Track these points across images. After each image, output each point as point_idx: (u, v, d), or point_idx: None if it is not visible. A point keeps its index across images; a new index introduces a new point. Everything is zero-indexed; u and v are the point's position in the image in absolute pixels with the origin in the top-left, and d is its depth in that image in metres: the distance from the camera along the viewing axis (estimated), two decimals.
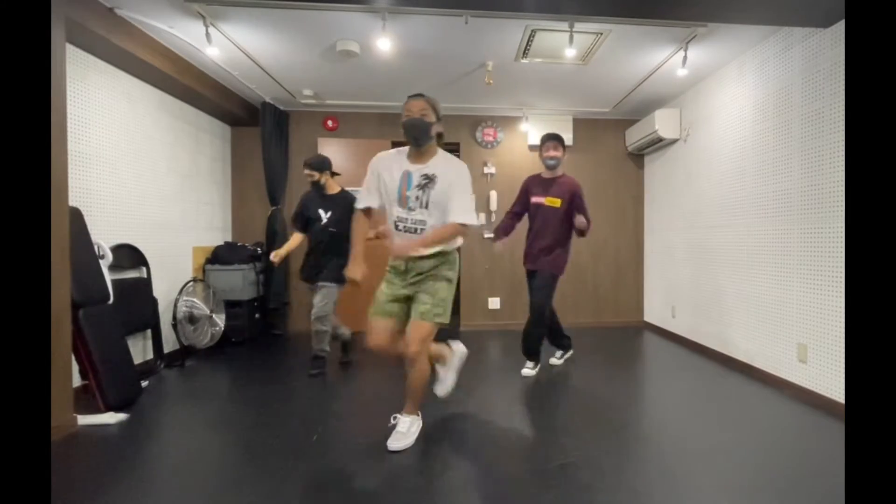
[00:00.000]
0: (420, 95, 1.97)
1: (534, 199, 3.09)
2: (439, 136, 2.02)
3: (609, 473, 1.79)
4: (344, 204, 3.06)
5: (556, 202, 3.00)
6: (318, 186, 3.14)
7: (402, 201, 1.96)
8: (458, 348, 2.43)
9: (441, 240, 1.95)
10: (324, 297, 3.05)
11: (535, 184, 3.14)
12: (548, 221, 3.03)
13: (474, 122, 4.70)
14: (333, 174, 3.21)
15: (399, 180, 1.97)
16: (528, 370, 3.12)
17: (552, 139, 3.04)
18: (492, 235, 3.31)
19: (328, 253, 3.08)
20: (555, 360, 3.35)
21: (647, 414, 2.49)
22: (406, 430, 2.06)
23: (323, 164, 3.14)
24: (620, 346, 4.01)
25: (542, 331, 3.10)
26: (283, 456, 1.93)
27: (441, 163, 1.99)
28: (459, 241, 2.10)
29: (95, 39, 2.57)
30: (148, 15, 2.65)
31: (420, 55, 3.23)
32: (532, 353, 3.14)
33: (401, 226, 1.98)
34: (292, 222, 3.29)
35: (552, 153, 3.02)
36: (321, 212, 3.12)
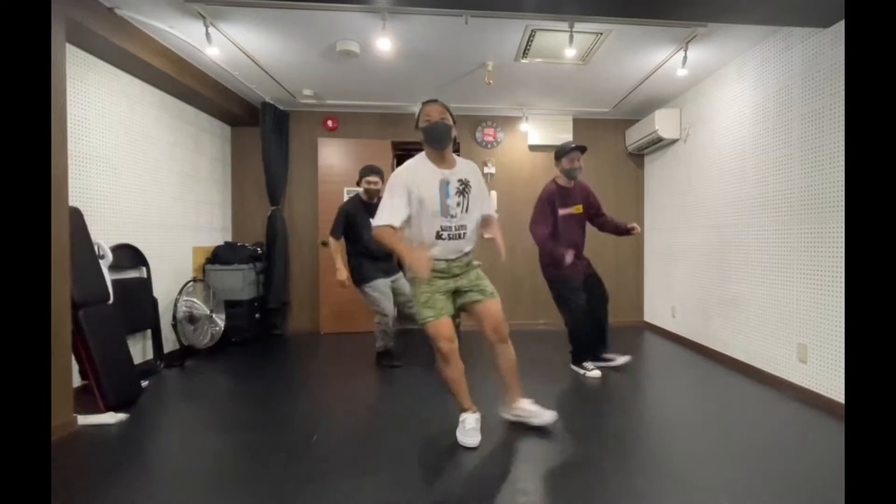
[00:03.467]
0: (435, 101, 1.98)
1: (562, 212, 3.08)
2: (454, 139, 2.05)
3: (609, 473, 1.79)
4: None
5: (580, 209, 3.15)
6: (370, 194, 3.24)
7: (444, 210, 1.93)
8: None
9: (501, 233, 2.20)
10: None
11: (559, 196, 3.08)
12: (576, 227, 3.15)
13: (474, 122, 4.70)
14: None
15: (438, 190, 1.93)
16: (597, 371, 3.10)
17: (580, 150, 3.06)
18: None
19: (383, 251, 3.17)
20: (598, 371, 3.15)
21: (647, 414, 2.49)
22: (538, 410, 2.17)
23: (383, 172, 3.27)
24: (620, 346, 4.00)
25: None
26: (282, 456, 1.93)
27: (466, 167, 2.07)
28: None
29: (95, 39, 2.57)
30: (148, 15, 2.65)
31: (420, 55, 3.23)
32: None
33: (445, 234, 1.96)
34: (333, 232, 3.21)
35: (577, 164, 3.06)
36: (371, 220, 3.18)
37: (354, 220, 3.20)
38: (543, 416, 2.16)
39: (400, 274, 3.31)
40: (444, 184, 1.94)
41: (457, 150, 4.74)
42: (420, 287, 2.00)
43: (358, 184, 3.29)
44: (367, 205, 3.24)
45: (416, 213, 1.94)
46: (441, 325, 1.97)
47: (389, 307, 3.20)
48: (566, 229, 3.08)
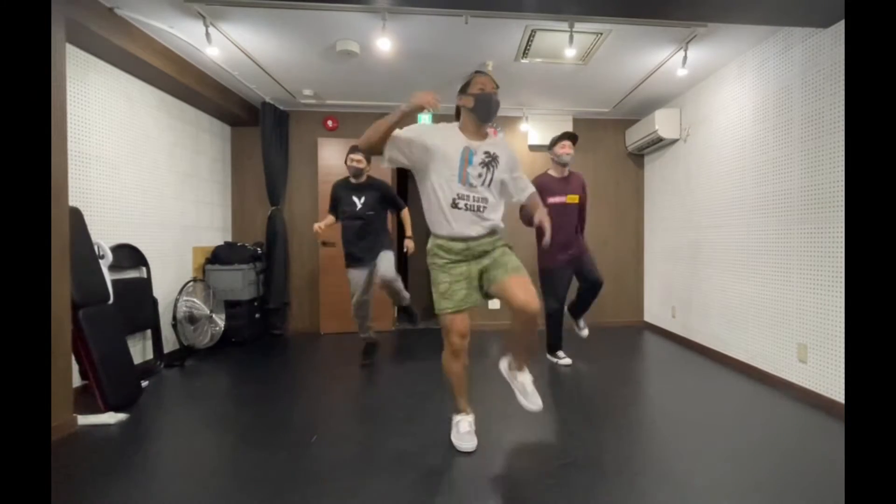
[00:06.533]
0: (484, 73, 1.93)
1: (552, 200, 3.19)
2: None
3: (609, 473, 1.79)
4: (376, 188, 3.23)
5: (576, 198, 3.25)
6: (357, 174, 3.20)
7: (463, 178, 1.86)
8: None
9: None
10: (388, 261, 3.16)
11: (549, 184, 3.23)
12: (570, 217, 3.24)
13: None
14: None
15: (460, 156, 1.87)
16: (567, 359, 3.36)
17: (569, 137, 3.23)
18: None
19: (373, 234, 3.20)
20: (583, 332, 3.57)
21: (647, 414, 2.49)
22: (532, 391, 2.02)
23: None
24: (620, 346, 4.00)
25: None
26: (282, 456, 1.93)
27: (498, 143, 1.98)
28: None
29: (95, 39, 2.57)
30: (148, 15, 2.65)
31: (420, 55, 3.23)
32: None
33: (461, 203, 1.86)
34: (330, 210, 3.30)
35: (568, 150, 3.20)
36: (354, 199, 3.20)
37: (339, 199, 3.22)
38: (532, 401, 2.00)
39: (382, 255, 3.15)
40: (467, 151, 1.87)
41: None
42: (437, 275, 1.92)
43: (345, 163, 3.24)
44: (352, 186, 3.22)
45: (431, 174, 1.87)
46: (457, 319, 1.90)
47: (356, 301, 3.21)
48: (556, 217, 3.16)
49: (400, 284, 3.23)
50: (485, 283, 1.93)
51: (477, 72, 1.95)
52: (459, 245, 1.90)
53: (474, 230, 1.88)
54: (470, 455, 1.94)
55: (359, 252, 3.16)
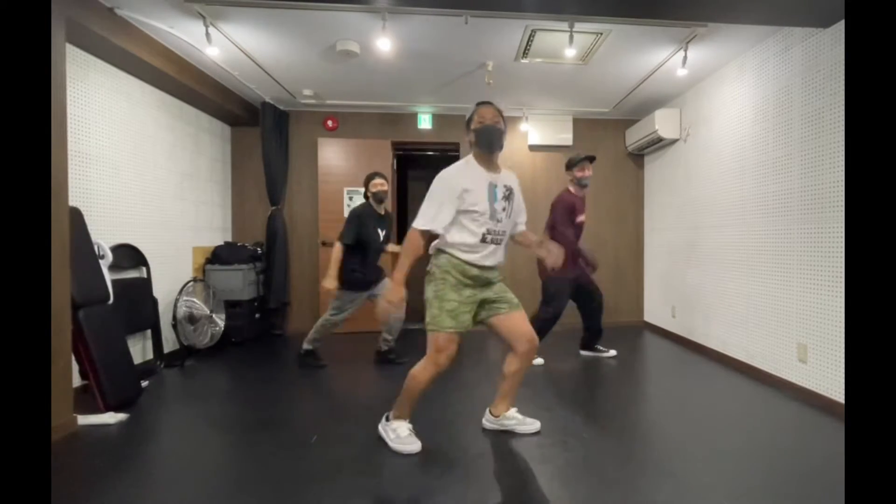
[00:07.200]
0: (489, 103, 1.97)
1: (580, 219, 3.29)
2: None
3: (610, 473, 1.79)
4: (390, 219, 3.35)
5: (584, 218, 3.36)
6: (378, 201, 3.21)
7: (492, 213, 1.90)
8: None
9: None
10: None
11: (577, 204, 3.29)
12: (581, 235, 3.34)
13: None
14: None
15: (486, 192, 1.90)
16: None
17: (589, 160, 3.28)
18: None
19: (376, 262, 3.30)
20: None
21: (647, 414, 2.49)
22: (526, 418, 2.19)
23: (386, 175, 3.31)
24: (620, 346, 4.00)
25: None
26: (282, 456, 1.93)
27: (511, 175, 2.04)
28: None
29: (95, 39, 2.58)
30: (148, 15, 2.65)
31: (420, 55, 3.23)
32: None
33: (489, 238, 1.91)
34: (343, 237, 3.07)
35: (589, 173, 3.27)
36: (379, 230, 3.21)
37: (367, 230, 3.11)
38: (530, 423, 2.18)
39: (382, 284, 3.23)
40: (492, 187, 1.92)
41: (456, 151, 4.75)
42: (447, 293, 1.90)
43: (365, 195, 3.23)
44: (377, 217, 3.21)
45: (463, 215, 1.89)
46: (453, 341, 1.92)
47: (342, 318, 3.21)
48: (578, 236, 3.31)
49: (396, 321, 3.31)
50: (484, 312, 2.01)
51: (479, 104, 1.98)
52: (475, 271, 1.95)
53: (493, 261, 1.96)
54: (470, 456, 1.94)
55: (371, 278, 3.21)
